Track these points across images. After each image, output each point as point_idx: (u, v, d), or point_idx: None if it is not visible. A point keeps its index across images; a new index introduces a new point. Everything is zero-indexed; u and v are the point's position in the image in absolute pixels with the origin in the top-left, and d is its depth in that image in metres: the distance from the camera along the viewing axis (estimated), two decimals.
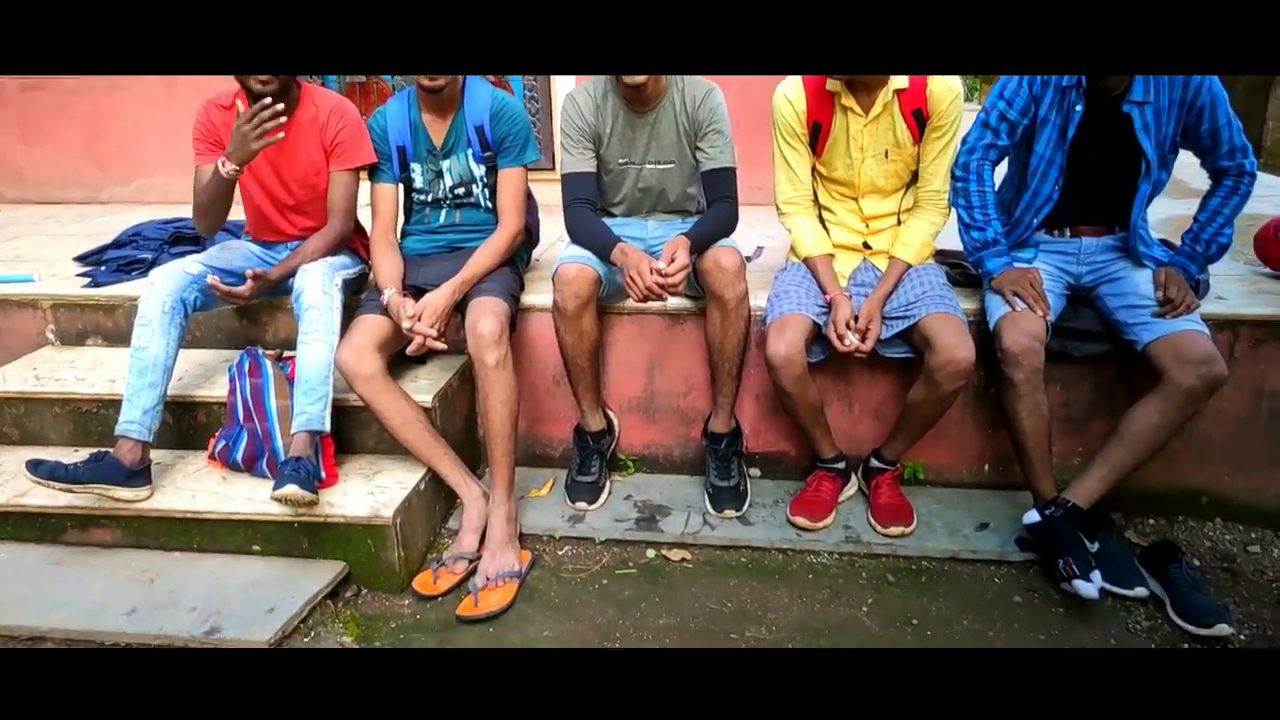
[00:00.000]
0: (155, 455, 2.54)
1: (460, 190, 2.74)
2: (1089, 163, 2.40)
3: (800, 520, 2.61)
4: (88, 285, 3.09)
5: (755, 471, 2.92)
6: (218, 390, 2.71)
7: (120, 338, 3.01)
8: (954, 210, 2.58)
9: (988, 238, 2.50)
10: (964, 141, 2.51)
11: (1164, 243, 2.57)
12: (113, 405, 2.64)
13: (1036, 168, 2.44)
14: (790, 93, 2.53)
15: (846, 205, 2.63)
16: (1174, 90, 2.28)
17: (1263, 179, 3.60)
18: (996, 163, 2.51)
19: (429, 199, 2.77)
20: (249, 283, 2.53)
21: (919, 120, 2.47)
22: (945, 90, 2.43)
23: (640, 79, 2.54)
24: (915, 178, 2.58)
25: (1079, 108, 2.32)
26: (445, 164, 2.70)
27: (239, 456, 2.57)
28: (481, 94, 2.70)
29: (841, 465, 2.71)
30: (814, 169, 2.62)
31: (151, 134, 4.74)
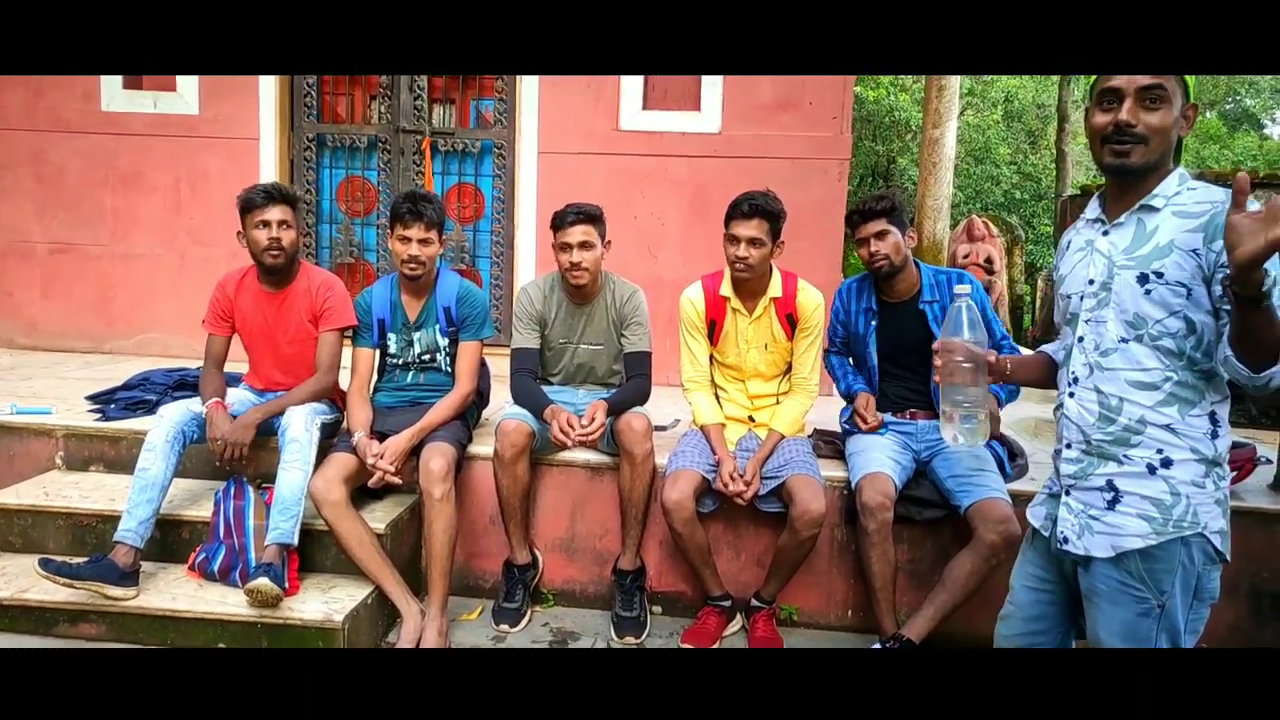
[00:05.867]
0: (142, 565, 2.98)
1: (426, 357, 3.35)
2: (905, 352, 3.12)
3: (688, 647, 3.08)
4: (99, 419, 3.61)
5: (657, 608, 3.40)
6: (201, 512, 3.19)
7: (120, 465, 3.51)
8: (831, 379, 3.36)
9: (849, 384, 3.29)
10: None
11: None
12: (109, 520, 3.13)
13: (863, 361, 3.24)
14: (693, 296, 3.22)
15: (736, 386, 3.27)
16: (950, 293, 3.03)
17: None
18: (842, 353, 3.34)
19: (400, 362, 3.37)
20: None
21: (791, 322, 3.15)
22: (810, 300, 3.13)
23: (584, 279, 3.21)
24: (790, 367, 3.24)
25: (874, 322, 3.17)
26: (416, 335, 3.33)
27: (216, 567, 3.02)
28: (451, 281, 3.37)
29: (728, 603, 3.21)
30: (711, 356, 3.27)
31: (157, 296, 5.39)
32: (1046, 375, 2.10)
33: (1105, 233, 1.85)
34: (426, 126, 5.23)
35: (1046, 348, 2.16)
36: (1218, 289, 1.69)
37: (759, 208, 2.98)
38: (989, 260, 8.25)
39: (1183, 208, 1.75)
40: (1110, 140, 1.78)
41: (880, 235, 2.99)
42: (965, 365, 1.89)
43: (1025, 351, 2.21)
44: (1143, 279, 1.75)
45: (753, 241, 2.98)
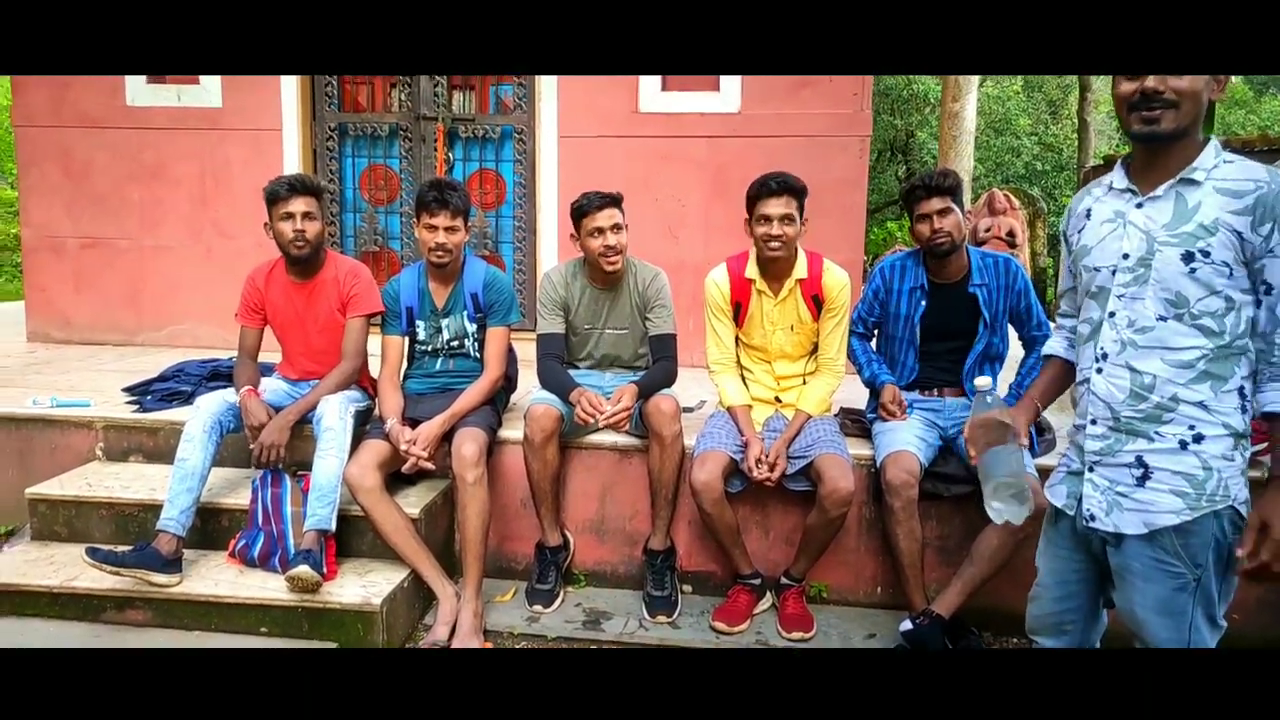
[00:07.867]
0: (184, 553, 3.04)
1: (455, 343, 3.40)
2: (948, 335, 3.11)
3: (720, 625, 3.13)
4: (136, 411, 3.69)
5: (688, 587, 3.44)
6: (240, 500, 3.26)
7: (159, 455, 3.58)
8: (853, 365, 3.33)
9: (874, 373, 3.26)
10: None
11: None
12: (150, 509, 3.20)
13: (899, 341, 3.20)
14: (718, 279, 3.23)
15: (762, 367, 3.29)
16: (999, 277, 3.05)
17: None
18: (865, 336, 3.33)
19: (429, 349, 3.42)
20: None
21: (817, 304, 3.16)
22: (836, 280, 3.14)
23: (619, 262, 3.26)
24: (816, 348, 3.25)
25: (924, 302, 3.11)
26: (445, 322, 3.37)
27: (255, 554, 3.09)
28: (477, 268, 3.40)
29: (758, 581, 3.25)
30: (737, 338, 3.30)
31: (186, 287, 5.47)
32: (1066, 378, 2.10)
33: (1139, 205, 1.79)
34: (447, 114, 5.25)
35: (1052, 346, 2.12)
36: (1265, 273, 1.70)
37: (787, 184, 2.99)
38: (1011, 234, 8.16)
39: (1224, 184, 1.71)
40: (1138, 107, 1.72)
41: (943, 213, 2.97)
42: (1001, 450, 1.91)
43: (1052, 341, 2.15)
44: (1188, 257, 1.71)
45: (785, 218, 3.00)
